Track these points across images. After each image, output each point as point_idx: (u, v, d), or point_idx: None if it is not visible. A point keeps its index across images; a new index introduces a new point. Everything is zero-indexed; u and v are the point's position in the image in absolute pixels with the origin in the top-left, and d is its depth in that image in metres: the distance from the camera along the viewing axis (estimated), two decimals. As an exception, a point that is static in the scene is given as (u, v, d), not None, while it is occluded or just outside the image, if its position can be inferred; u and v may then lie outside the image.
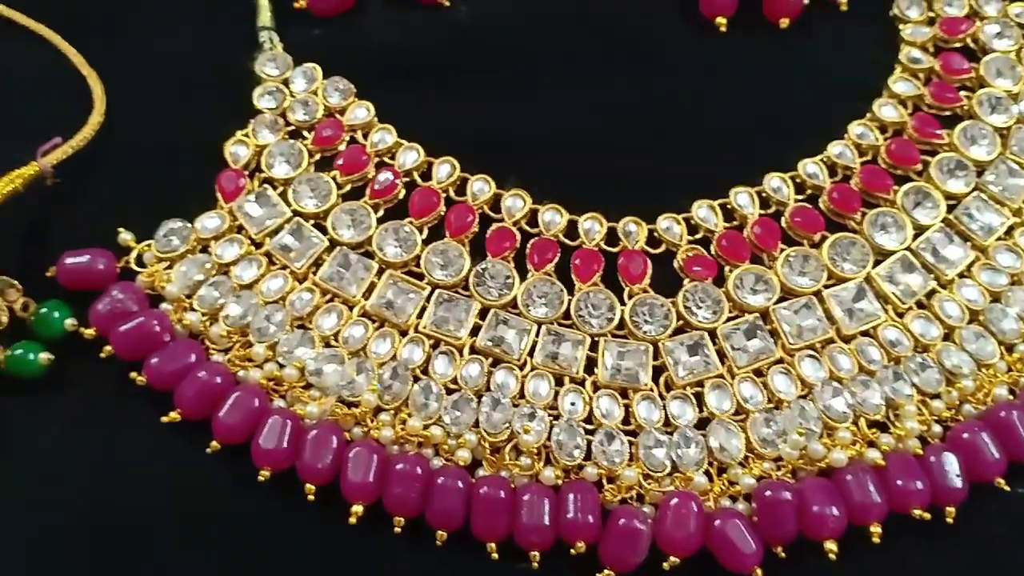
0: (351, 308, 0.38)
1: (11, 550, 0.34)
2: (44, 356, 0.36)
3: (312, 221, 0.40)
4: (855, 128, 0.42)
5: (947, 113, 0.43)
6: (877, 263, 0.39)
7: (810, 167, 0.41)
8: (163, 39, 0.44)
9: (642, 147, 0.42)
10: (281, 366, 0.37)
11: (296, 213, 0.40)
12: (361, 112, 0.42)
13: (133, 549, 0.34)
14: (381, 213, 0.40)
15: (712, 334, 0.37)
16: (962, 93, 0.43)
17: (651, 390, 0.36)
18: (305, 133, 0.42)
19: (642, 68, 0.44)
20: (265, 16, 0.44)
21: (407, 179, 0.41)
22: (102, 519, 0.34)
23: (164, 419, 0.35)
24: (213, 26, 0.45)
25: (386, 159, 0.41)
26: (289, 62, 0.43)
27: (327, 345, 0.37)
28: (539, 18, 0.45)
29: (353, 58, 0.44)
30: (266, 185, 0.40)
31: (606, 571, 0.33)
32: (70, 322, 0.37)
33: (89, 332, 0.37)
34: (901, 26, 0.45)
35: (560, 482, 0.34)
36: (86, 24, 0.44)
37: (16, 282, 0.37)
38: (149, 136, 0.42)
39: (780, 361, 0.37)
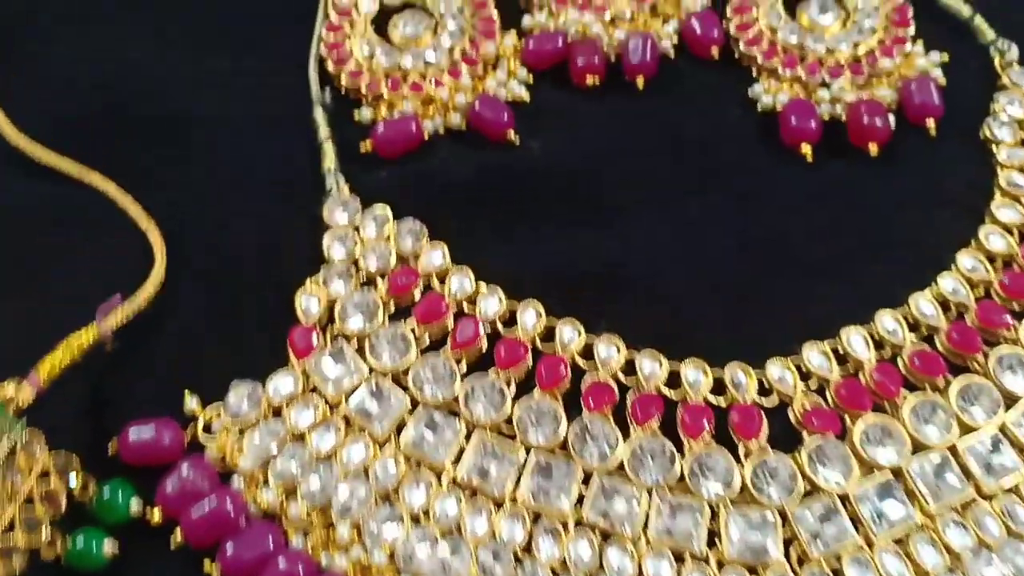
0: (439, 477, 0.35)
1: None
2: (109, 547, 0.33)
3: (391, 378, 0.37)
4: (964, 260, 0.40)
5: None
6: (1008, 408, 0.37)
7: (924, 306, 0.39)
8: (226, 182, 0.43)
9: (737, 284, 0.40)
10: (367, 549, 0.33)
11: (373, 371, 0.37)
12: (436, 256, 0.40)
13: None
14: (464, 368, 0.38)
15: (843, 497, 0.34)
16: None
17: (784, 566, 0.33)
18: (379, 280, 0.40)
19: (726, 200, 0.42)
20: (330, 159, 0.43)
21: (490, 329, 0.39)
22: None
23: (242, 616, 0.32)
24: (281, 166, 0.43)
25: (465, 306, 0.39)
26: (358, 206, 0.41)
27: (416, 522, 0.34)
28: (614, 152, 0.44)
29: (423, 199, 0.42)
30: (341, 340, 0.38)
31: None
32: (135, 507, 0.34)
33: (156, 517, 0.34)
34: (995, 148, 0.44)
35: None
36: (145, 171, 0.43)
37: (76, 459, 0.34)
38: (212, 289, 0.40)
39: (921, 527, 0.34)
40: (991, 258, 0.40)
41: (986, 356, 0.37)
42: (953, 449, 0.35)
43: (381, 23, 0.47)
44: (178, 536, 0.34)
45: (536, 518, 0.34)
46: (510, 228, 0.42)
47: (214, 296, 0.40)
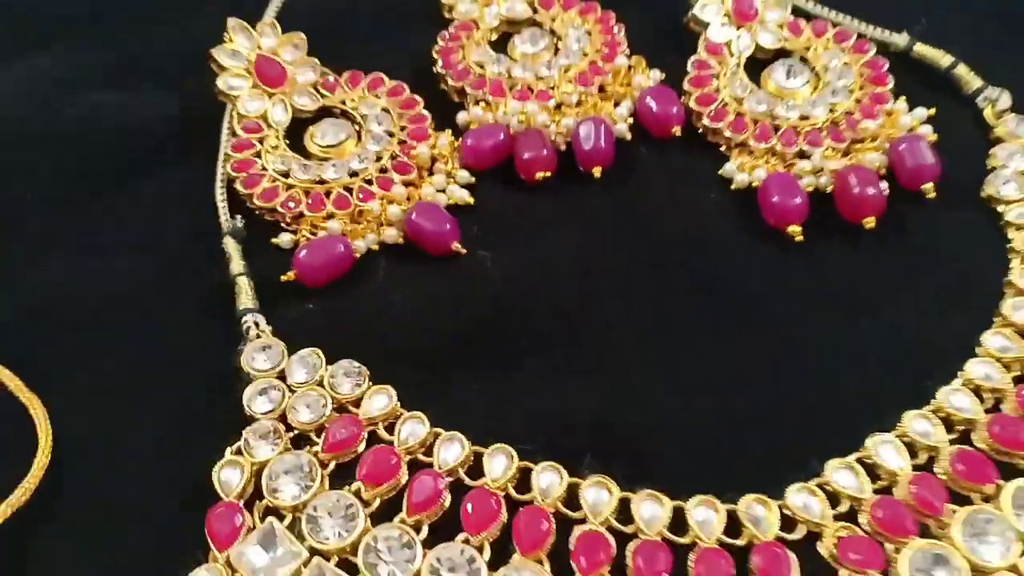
0: None
1: None
2: None
3: (336, 560, 0.32)
4: (992, 340, 0.36)
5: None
6: (1074, 512, 0.33)
7: (956, 398, 0.35)
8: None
9: (727, 407, 0.36)
10: None
11: (314, 552, 0.32)
12: (380, 400, 0.35)
13: None
14: (426, 534, 0.33)
15: (904, 649, 0.30)
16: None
17: None
18: (313, 437, 0.35)
19: (713, 308, 0.39)
20: (246, 297, 0.38)
21: (452, 480, 0.34)
22: None
23: None
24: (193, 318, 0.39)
25: (420, 457, 0.35)
26: (283, 349, 0.37)
27: None
28: (579, 259, 0.40)
29: (360, 334, 0.38)
30: (271, 518, 0.33)
31: None
32: None
33: None
34: (1001, 208, 0.41)
35: None
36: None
37: None
38: (112, 468, 0.35)
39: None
40: (1021, 333, 0.37)
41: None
42: (1017, 569, 0.31)
43: (295, 134, 0.44)
44: None
45: None
46: (465, 365, 0.37)
47: (113, 477, 0.35)
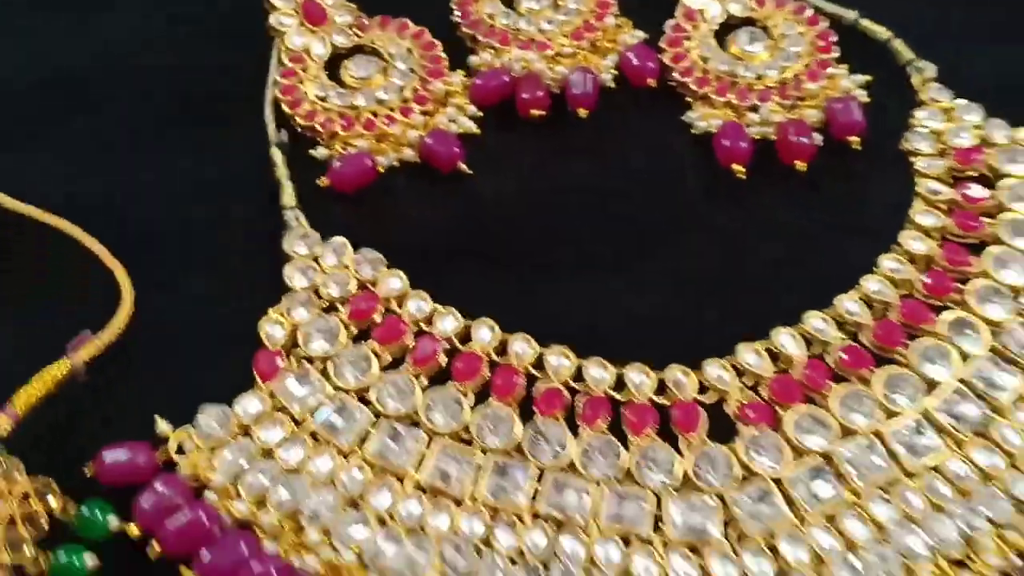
0: (403, 481, 0.40)
1: None
2: (91, 562, 0.37)
3: (355, 396, 0.42)
4: (886, 263, 0.46)
5: (973, 241, 0.47)
6: (929, 394, 0.42)
7: (849, 304, 0.44)
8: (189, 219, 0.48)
9: (674, 300, 0.45)
10: (337, 550, 0.38)
11: (337, 389, 0.42)
12: (394, 282, 0.45)
13: None
14: (424, 382, 0.43)
15: (777, 481, 0.39)
16: (985, 220, 0.47)
17: (724, 544, 0.38)
18: (339, 307, 0.45)
19: (664, 222, 0.48)
20: (289, 196, 0.48)
21: (447, 346, 0.44)
22: None
23: (220, 617, 0.37)
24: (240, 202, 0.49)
25: (423, 326, 0.44)
26: (317, 238, 0.46)
27: (383, 524, 0.39)
28: (562, 184, 0.49)
29: (379, 230, 0.48)
30: (305, 363, 0.43)
31: None
32: (114, 523, 0.38)
33: (134, 531, 0.38)
34: (914, 159, 0.50)
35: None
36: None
37: (53, 483, 0.39)
38: (179, 320, 0.45)
39: (850, 504, 0.39)
40: (913, 260, 0.46)
41: (907, 347, 0.43)
42: (879, 433, 0.41)
43: (333, 67, 0.53)
44: (156, 547, 0.38)
45: (494, 513, 0.39)
46: (462, 259, 0.47)
47: (180, 327, 0.45)
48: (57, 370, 0.41)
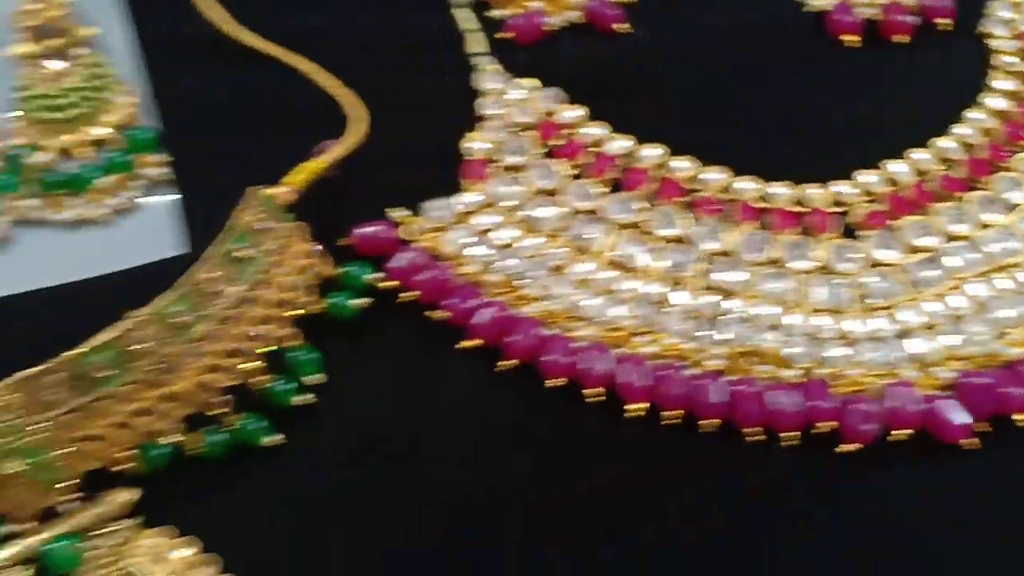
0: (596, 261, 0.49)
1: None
2: (359, 301, 0.47)
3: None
4: (971, 114, 0.55)
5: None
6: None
7: (944, 143, 0.53)
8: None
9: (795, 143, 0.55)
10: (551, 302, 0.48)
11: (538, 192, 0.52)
12: (574, 112, 0.54)
13: (444, 457, 0.43)
14: (607, 189, 0.52)
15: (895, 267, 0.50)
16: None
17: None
18: (527, 133, 0.54)
19: (789, 79, 0.58)
20: (478, 44, 0.57)
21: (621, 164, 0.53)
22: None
23: (461, 345, 0.46)
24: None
25: (601, 149, 0.53)
26: (506, 78, 0.56)
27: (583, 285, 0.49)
28: (706, 41, 0.59)
29: (551, 76, 0.56)
30: (506, 171, 0.52)
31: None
32: (374, 276, 0.48)
33: (388, 284, 0.48)
34: (990, 41, 0.59)
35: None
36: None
37: (322, 248, 0.48)
38: (394, 144, 0.53)
39: (957, 287, 0.49)
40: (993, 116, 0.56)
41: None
42: (975, 238, 0.50)
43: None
44: (406, 296, 0.47)
45: (676, 283, 0.49)
46: (623, 102, 0.56)
47: (396, 150, 0.53)
48: (315, 165, 0.50)
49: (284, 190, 0.48)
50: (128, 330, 0.41)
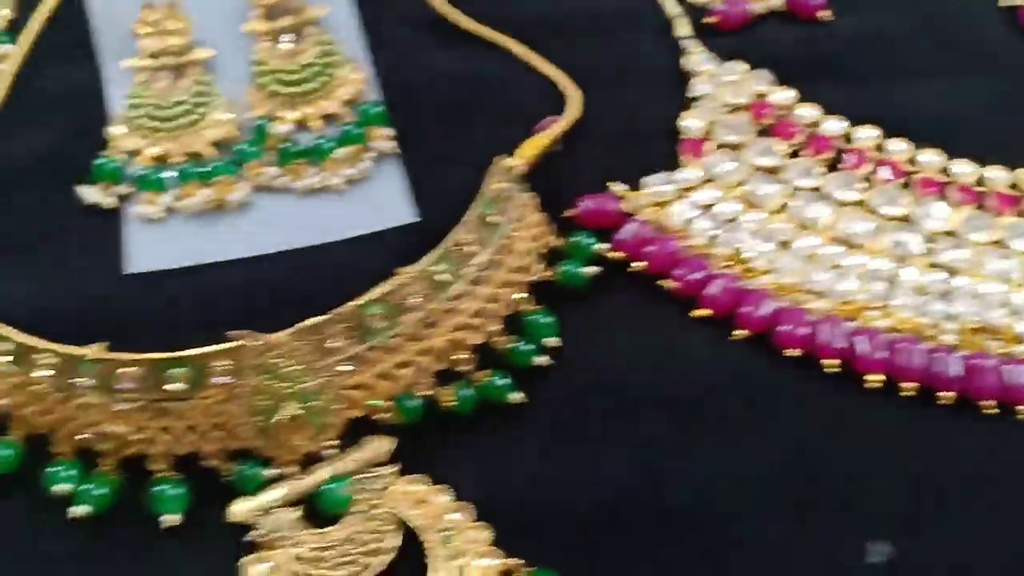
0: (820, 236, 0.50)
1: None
2: (590, 269, 0.48)
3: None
4: None
5: None
6: None
7: None
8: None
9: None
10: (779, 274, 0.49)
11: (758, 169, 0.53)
12: (786, 94, 0.55)
13: (699, 418, 0.45)
14: (823, 170, 0.53)
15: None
16: None
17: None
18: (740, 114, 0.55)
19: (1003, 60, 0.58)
20: (684, 28, 0.59)
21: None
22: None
23: (694, 314, 0.48)
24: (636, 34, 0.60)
25: (816, 131, 0.54)
26: (716, 59, 0.57)
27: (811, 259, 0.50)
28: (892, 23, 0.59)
29: (753, 62, 0.58)
30: (723, 148, 0.54)
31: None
32: (602, 246, 0.49)
33: (615, 255, 0.49)
34: None
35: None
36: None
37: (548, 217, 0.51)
38: (606, 123, 0.55)
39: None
40: None
41: None
42: None
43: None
44: (639, 265, 0.49)
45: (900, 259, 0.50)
46: (823, 82, 0.57)
47: (609, 128, 0.55)
48: (541, 140, 0.52)
49: (519, 162, 0.50)
50: (400, 285, 0.43)
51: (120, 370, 0.41)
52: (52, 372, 0.42)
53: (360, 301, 0.43)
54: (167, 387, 0.41)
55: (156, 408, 0.41)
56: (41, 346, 0.42)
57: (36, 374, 0.42)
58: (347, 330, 0.42)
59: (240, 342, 0.41)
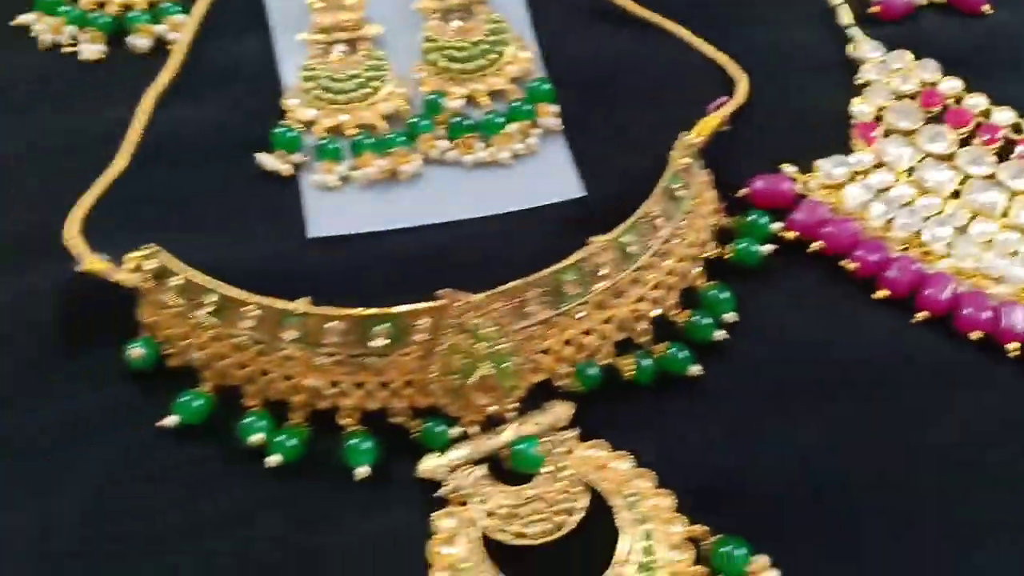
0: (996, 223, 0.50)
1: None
2: (766, 247, 0.49)
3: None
4: None
5: None
6: None
7: None
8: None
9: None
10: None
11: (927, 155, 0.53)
12: (953, 82, 0.55)
13: (877, 397, 0.45)
14: (994, 158, 0.53)
15: None
16: None
17: None
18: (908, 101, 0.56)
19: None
20: (846, 17, 0.59)
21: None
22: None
23: (877, 295, 0.48)
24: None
25: (985, 120, 0.54)
26: (883, 47, 0.57)
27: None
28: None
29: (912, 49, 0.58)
30: (892, 135, 0.54)
31: None
32: (777, 226, 0.50)
33: (791, 235, 0.50)
34: None
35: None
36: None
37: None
38: (770, 106, 0.56)
39: None
40: None
41: None
42: None
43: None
44: (817, 245, 0.49)
45: None
46: (985, 74, 0.57)
47: (774, 111, 0.56)
48: (713, 120, 0.52)
49: (698, 140, 0.51)
50: (592, 253, 0.44)
51: (327, 324, 0.42)
52: (254, 325, 0.44)
53: (557, 267, 0.43)
54: (370, 343, 0.42)
55: (355, 363, 0.43)
56: (248, 299, 0.43)
57: (241, 326, 0.43)
58: (542, 294, 0.43)
59: (443, 301, 0.42)
